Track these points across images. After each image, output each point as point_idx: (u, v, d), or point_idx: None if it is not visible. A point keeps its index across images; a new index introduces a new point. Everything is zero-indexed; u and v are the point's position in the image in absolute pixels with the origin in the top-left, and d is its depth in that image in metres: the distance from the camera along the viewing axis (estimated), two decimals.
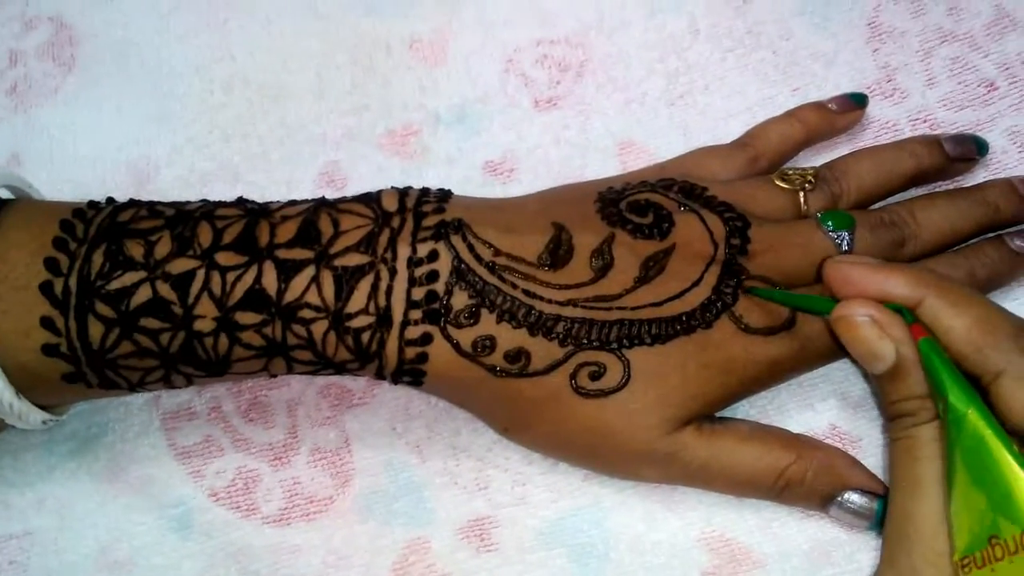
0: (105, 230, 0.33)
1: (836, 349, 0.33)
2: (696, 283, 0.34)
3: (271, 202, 0.35)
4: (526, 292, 0.33)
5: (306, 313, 0.32)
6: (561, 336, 0.33)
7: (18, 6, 0.46)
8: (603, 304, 0.33)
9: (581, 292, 0.34)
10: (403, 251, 0.33)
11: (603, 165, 0.42)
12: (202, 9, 0.45)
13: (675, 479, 0.35)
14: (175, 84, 0.44)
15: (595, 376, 0.33)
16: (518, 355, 0.33)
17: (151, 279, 0.32)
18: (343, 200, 0.35)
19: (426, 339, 0.33)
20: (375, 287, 0.33)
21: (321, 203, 0.35)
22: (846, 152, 0.40)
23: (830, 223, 0.36)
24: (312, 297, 0.32)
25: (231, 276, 0.32)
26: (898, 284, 0.30)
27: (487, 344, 0.33)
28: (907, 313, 0.30)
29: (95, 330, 0.32)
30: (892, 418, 0.31)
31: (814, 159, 0.41)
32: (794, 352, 0.34)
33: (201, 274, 0.32)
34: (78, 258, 0.32)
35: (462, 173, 0.42)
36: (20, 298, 0.32)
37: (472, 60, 0.44)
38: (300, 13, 0.45)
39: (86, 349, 0.32)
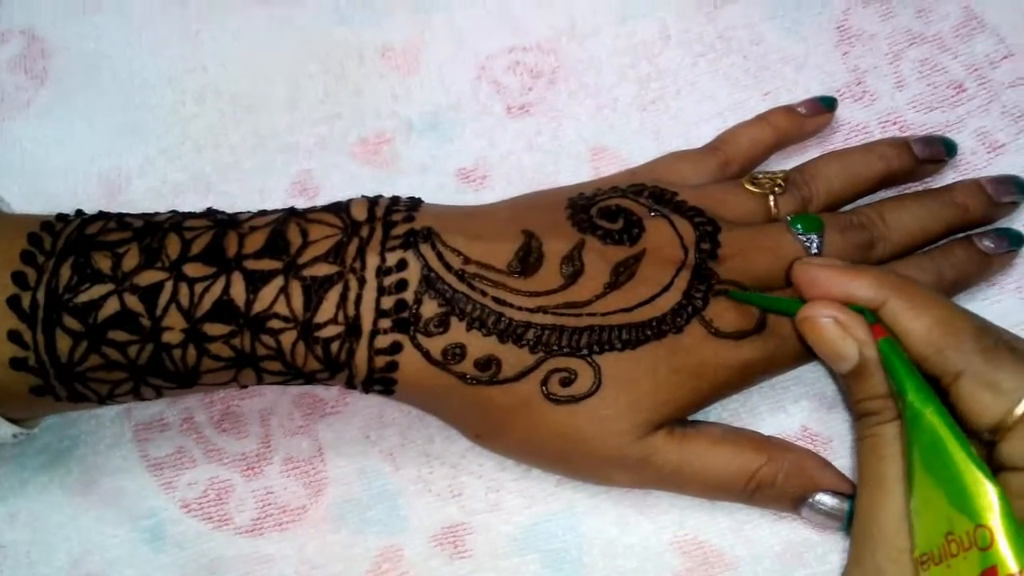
0: (73, 243, 0.33)
1: (807, 352, 0.33)
2: (666, 288, 0.34)
3: (240, 212, 0.35)
4: (496, 299, 0.33)
5: (275, 323, 0.32)
6: (531, 343, 0.33)
7: None
8: (573, 310, 0.33)
9: (551, 299, 0.34)
10: (372, 260, 0.33)
11: (576, 171, 0.42)
12: (174, 21, 0.45)
13: (647, 483, 0.35)
14: (147, 96, 0.44)
15: (566, 382, 0.33)
16: (488, 363, 0.33)
17: (119, 291, 0.32)
18: (312, 210, 0.35)
19: (396, 348, 0.33)
20: (344, 297, 0.33)
21: (290, 213, 0.35)
22: (816, 155, 0.40)
23: (799, 226, 0.36)
24: (281, 307, 0.32)
25: (199, 287, 0.32)
26: (861, 286, 0.31)
27: (457, 352, 0.33)
28: (868, 314, 0.30)
29: (63, 343, 0.32)
30: (858, 417, 0.31)
31: (785, 162, 0.41)
32: (765, 355, 0.34)
33: (169, 286, 0.32)
34: (46, 271, 0.32)
35: (435, 181, 0.42)
36: None
37: (444, 68, 0.44)
38: (272, 23, 0.45)
39: (54, 362, 0.32)
